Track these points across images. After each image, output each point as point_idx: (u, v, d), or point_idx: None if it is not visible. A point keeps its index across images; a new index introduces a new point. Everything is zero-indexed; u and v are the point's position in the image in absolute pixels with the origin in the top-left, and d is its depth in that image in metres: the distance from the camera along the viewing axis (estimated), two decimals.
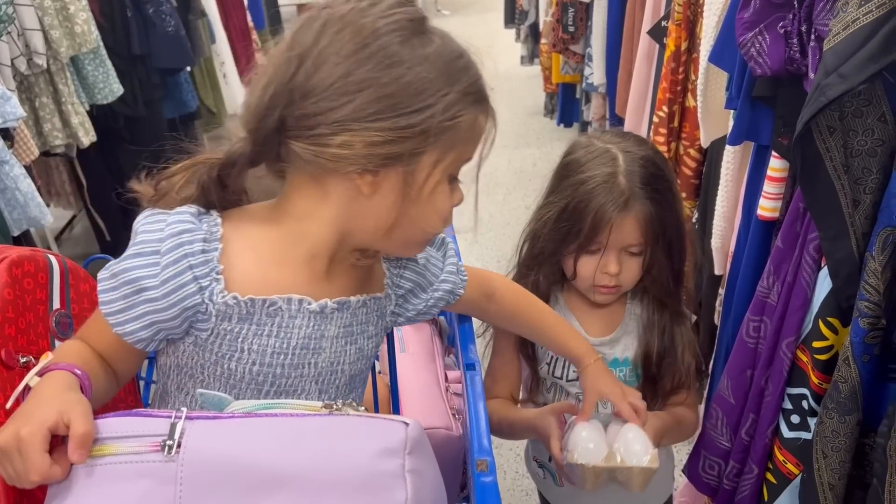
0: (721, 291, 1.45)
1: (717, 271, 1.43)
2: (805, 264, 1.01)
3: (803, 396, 1.04)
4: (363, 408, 0.70)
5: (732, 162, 1.31)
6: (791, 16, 0.96)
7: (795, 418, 1.06)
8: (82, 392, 0.67)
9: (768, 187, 1.13)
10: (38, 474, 0.60)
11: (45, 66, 2.25)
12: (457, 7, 7.43)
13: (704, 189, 1.69)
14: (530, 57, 4.43)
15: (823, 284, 0.99)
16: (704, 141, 1.52)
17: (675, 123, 1.78)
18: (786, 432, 1.07)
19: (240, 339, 0.75)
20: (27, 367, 0.73)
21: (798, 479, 1.05)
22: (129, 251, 0.73)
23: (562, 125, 3.83)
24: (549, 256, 1.10)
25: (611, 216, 1.00)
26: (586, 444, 0.96)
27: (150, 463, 0.62)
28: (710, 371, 1.48)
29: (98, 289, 0.74)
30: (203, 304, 0.73)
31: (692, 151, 1.72)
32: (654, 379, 1.12)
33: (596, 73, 2.82)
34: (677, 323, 1.12)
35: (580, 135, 2.98)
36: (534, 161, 3.62)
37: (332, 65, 0.69)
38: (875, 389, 0.94)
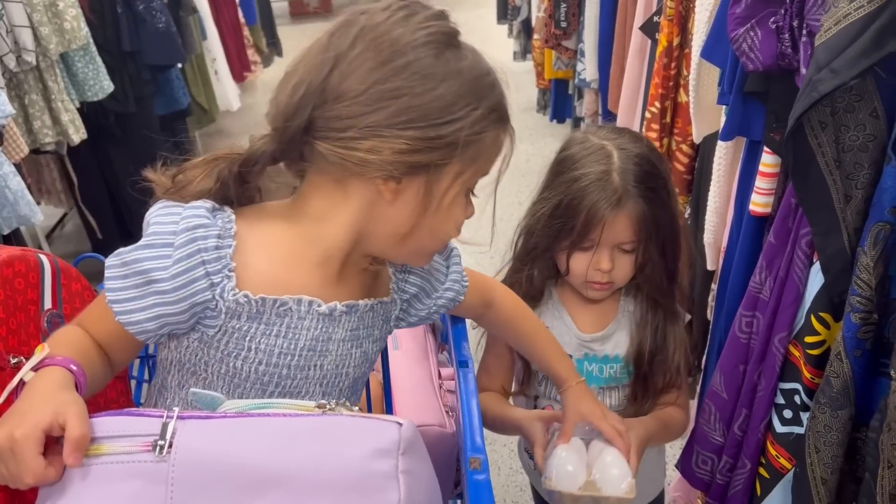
0: (714, 287, 1.45)
1: (709, 267, 1.44)
2: (797, 259, 1.01)
3: (796, 391, 1.05)
4: (357, 408, 0.70)
5: (724, 157, 1.31)
6: (782, 11, 0.96)
7: (788, 413, 1.06)
8: (77, 388, 0.67)
9: (760, 183, 1.13)
10: (32, 477, 0.59)
11: (34, 63, 2.23)
12: (449, 2, 7.40)
13: (697, 185, 1.69)
14: (523, 53, 4.42)
15: (815, 280, 0.99)
16: (696, 136, 1.53)
17: (668, 119, 1.78)
18: (778, 427, 1.07)
19: (247, 338, 0.75)
20: (17, 368, 0.73)
21: (791, 473, 1.06)
22: (141, 242, 0.73)
23: (554, 121, 3.83)
24: (542, 252, 1.10)
25: (603, 214, 1.00)
26: (565, 467, 0.97)
27: (141, 463, 0.61)
28: (703, 366, 1.49)
29: (105, 275, 0.73)
30: (213, 301, 0.72)
31: (684, 147, 1.72)
32: (646, 377, 1.12)
33: (588, 68, 2.82)
34: (670, 322, 1.12)
35: (576, 130, 2.98)
36: (527, 157, 3.62)
37: (368, 70, 0.70)
38: (867, 384, 0.95)
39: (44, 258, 0.87)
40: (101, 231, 2.90)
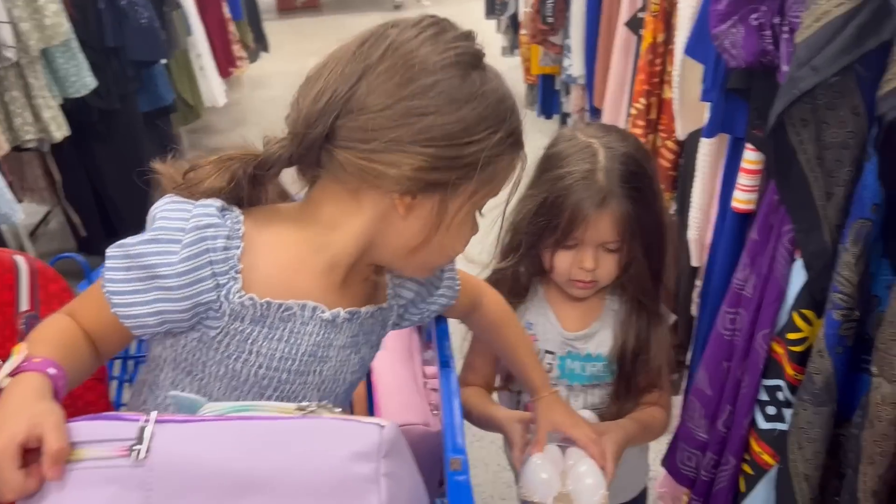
0: (698, 283, 1.45)
1: (693, 263, 1.44)
2: (780, 256, 1.01)
3: (779, 388, 1.05)
4: (339, 409, 0.69)
5: (708, 154, 1.31)
6: (764, 8, 0.96)
7: (771, 410, 1.06)
8: (56, 393, 0.65)
9: (743, 179, 1.13)
10: (13, 492, 0.59)
11: (14, 59, 2.20)
12: None
13: (682, 181, 1.69)
14: (511, 48, 4.41)
15: (798, 276, 0.99)
16: (680, 133, 1.52)
17: (653, 115, 1.78)
18: (762, 423, 1.07)
19: (249, 341, 0.74)
20: None
21: (774, 470, 1.06)
22: (146, 236, 0.72)
23: (542, 116, 3.82)
24: (527, 249, 1.10)
25: (587, 213, 1.00)
26: (539, 476, 0.97)
27: (118, 468, 0.60)
28: (688, 363, 1.49)
29: (106, 266, 0.72)
30: (217, 302, 0.72)
31: (669, 143, 1.72)
32: (628, 376, 1.12)
33: (575, 64, 2.81)
34: (654, 323, 1.12)
35: (564, 127, 2.98)
36: None
37: (395, 85, 0.70)
38: (849, 380, 0.95)
39: (20, 259, 0.85)
40: (85, 228, 2.87)
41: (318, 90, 0.72)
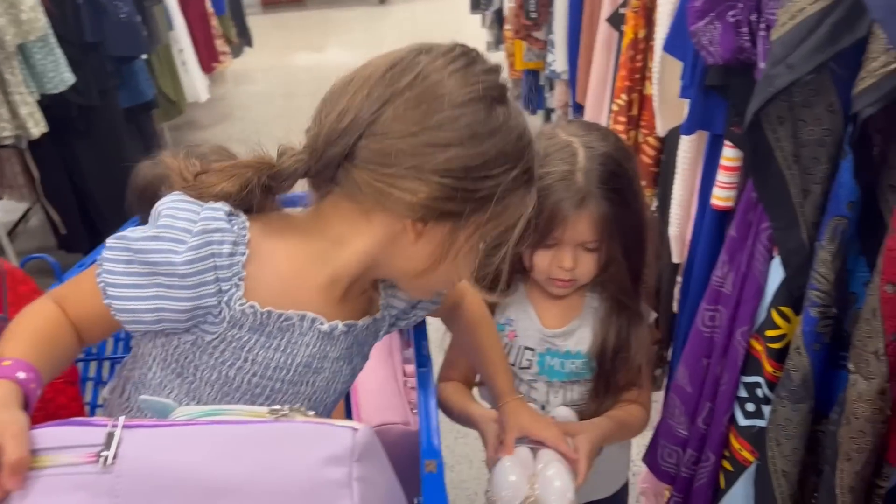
0: (679, 279, 1.45)
1: (674, 259, 1.44)
2: (758, 254, 1.01)
3: (757, 385, 1.05)
4: (312, 412, 0.68)
5: (688, 151, 1.31)
6: (741, 4, 0.96)
7: (750, 406, 1.06)
8: (28, 397, 0.64)
9: (722, 177, 1.13)
10: None
11: None
12: None
13: (663, 177, 1.69)
14: (496, 43, 4.40)
15: (776, 274, 0.99)
16: (661, 130, 1.52)
17: (634, 112, 1.78)
18: (741, 420, 1.08)
19: (245, 349, 0.74)
20: None
21: (753, 466, 1.06)
22: (150, 231, 0.71)
23: (527, 112, 3.82)
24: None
25: (566, 213, 1.00)
26: (507, 478, 0.97)
27: (85, 475, 0.59)
28: (669, 359, 1.49)
29: (104, 256, 0.71)
30: (217, 308, 0.72)
31: (651, 140, 1.72)
32: (608, 374, 1.12)
33: (558, 59, 2.81)
34: (635, 322, 1.12)
35: (546, 124, 2.97)
36: None
37: (421, 114, 0.70)
38: (827, 377, 0.95)
39: None
40: (65, 226, 2.84)
41: (342, 108, 0.72)
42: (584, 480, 0.99)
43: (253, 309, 0.72)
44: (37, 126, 2.36)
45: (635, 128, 1.80)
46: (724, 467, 1.12)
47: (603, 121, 2.10)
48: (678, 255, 1.43)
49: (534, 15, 3.03)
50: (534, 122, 3.98)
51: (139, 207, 1.21)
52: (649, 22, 1.69)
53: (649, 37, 1.69)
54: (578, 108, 2.58)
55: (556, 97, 3.08)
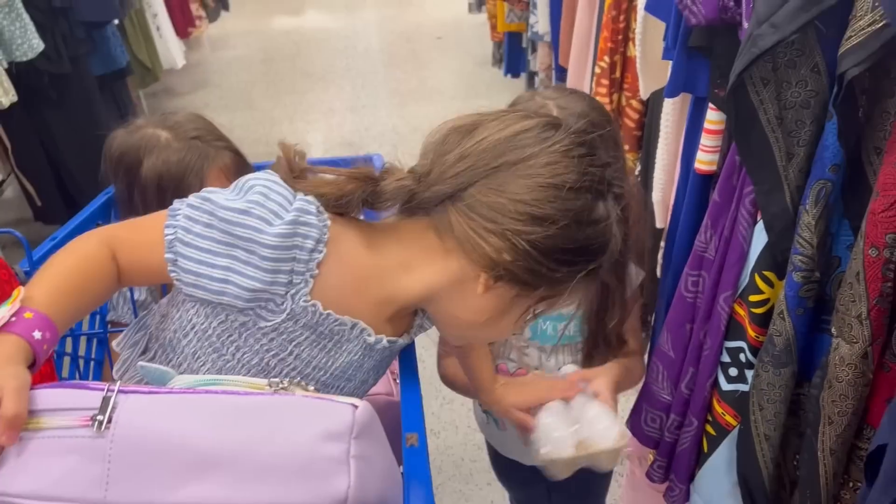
0: (663, 244, 1.45)
1: (658, 224, 1.43)
2: (741, 218, 1.00)
3: (741, 350, 1.05)
4: (312, 387, 0.67)
5: (671, 114, 1.29)
6: None
7: (733, 371, 1.06)
8: (36, 356, 0.63)
9: (705, 140, 1.12)
10: None
11: None
12: None
13: (647, 141, 1.68)
14: (478, 4, 4.34)
15: (759, 238, 0.98)
16: (644, 92, 1.50)
17: (617, 74, 1.76)
18: (724, 385, 1.08)
19: (294, 343, 0.75)
20: None
21: (736, 430, 1.07)
22: (238, 203, 0.70)
23: (509, 75, 3.77)
24: None
25: None
26: (552, 434, 0.98)
27: (79, 438, 0.59)
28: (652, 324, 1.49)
29: (182, 213, 0.71)
30: (282, 298, 0.71)
31: (634, 103, 1.70)
32: (599, 336, 1.13)
33: (540, 21, 2.77)
34: (624, 281, 1.12)
35: (527, 90, 2.94)
36: None
37: (538, 186, 0.72)
38: (810, 341, 0.95)
39: None
40: (40, 198, 2.79)
41: (462, 151, 0.74)
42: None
43: (315, 308, 0.73)
44: (5, 95, 2.30)
45: (618, 90, 1.78)
46: (707, 432, 1.13)
47: (586, 84, 2.07)
48: (661, 219, 1.42)
49: None
50: (517, 85, 3.93)
51: (114, 176, 1.18)
52: None
53: None
54: (561, 72, 2.55)
55: (539, 60, 3.04)
